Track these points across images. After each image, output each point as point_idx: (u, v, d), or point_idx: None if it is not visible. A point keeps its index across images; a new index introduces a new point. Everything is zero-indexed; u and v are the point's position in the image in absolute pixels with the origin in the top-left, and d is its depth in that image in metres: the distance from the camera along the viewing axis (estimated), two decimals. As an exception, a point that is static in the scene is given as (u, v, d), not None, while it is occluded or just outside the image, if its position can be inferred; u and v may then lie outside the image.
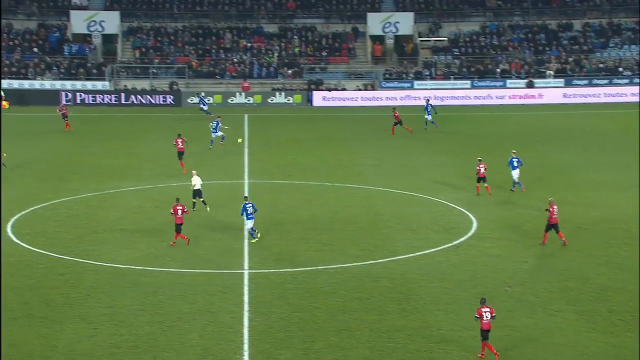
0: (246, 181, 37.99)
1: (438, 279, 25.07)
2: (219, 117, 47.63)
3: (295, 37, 72.45)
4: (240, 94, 65.61)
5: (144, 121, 56.42)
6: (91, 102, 63.85)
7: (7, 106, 53.72)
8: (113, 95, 64.39)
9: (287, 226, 30.48)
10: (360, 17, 74.08)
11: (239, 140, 45.17)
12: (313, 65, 70.22)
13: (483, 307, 19.88)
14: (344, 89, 67.49)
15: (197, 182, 32.23)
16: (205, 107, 57.07)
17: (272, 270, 25.64)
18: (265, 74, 69.24)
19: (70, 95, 63.56)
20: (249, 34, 72.93)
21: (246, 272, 25.61)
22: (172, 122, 54.60)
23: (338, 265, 26.25)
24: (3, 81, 63.80)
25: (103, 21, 71.13)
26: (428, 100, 54.16)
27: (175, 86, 66.74)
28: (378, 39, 73.65)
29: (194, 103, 64.14)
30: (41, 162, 41.58)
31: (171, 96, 64.85)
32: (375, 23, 73.20)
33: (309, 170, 40.44)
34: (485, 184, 34.59)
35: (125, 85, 66.59)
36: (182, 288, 24.13)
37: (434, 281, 24.86)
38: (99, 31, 71.28)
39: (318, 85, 67.86)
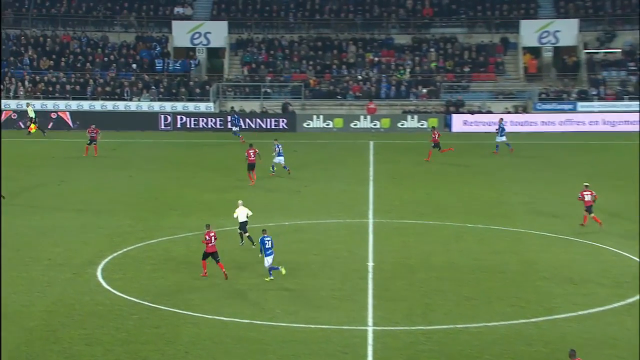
0: (370, 220, 38.09)
1: (607, 345, 24.22)
2: (275, 140, 48.54)
3: (432, 49, 72.50)
4: (365, 118, 66.10)
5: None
6: (193, 126, 65.89)
7: (34, 130, 56.52)
8: (218, 119, 66.18)
9: (419, 275, 30.29)
10: (512, 26, 73.35)
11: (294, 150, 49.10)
12: (452, 84, 69.97)
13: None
14: (489, 112, 66.83)
15: (240, 213, 33.28)
16: (236, 129, 57.61)
17: (402, 327, 25.48)
18: (395, 93, 69.52)
19: (169, 118, 65.84)
20: (377, 47, 73.55)
21: (370, 329, 25.53)
22: (285, 150, 55.40)
23: (482, 324, 25.82)
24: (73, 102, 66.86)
25: (209, 33, 73.43)
26: (501, 119, 55.80)
27: (289, 107, 68.01)
28: (533, 52, 72.64)
29: (310, 127, 65.16)
30: (135, 196, 43.10)
31: (284, 119, 66.09)
32: (529, 32, 72.26)
33: (446, 209, 40.19)
34: (592, 214, 35.60)
35: (233, 107, 68.36)
36: (295, 346, 24.31)
37: (602, 347, 24.04)
38: (203, 44, 73.61)
39: (458, 107, 67.51)
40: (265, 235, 29.90)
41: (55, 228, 35.66)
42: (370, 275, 30.18)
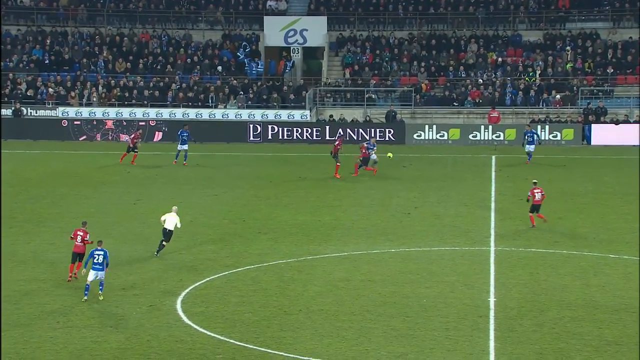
0: (492, 248, 37.78)
1: None
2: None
3: (568, 48, 71.63)
4: (487, 128, 65.63)
5: (354, 164, 57.83)
6: (286, 137, 66.45)
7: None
8: (315, 129, 66.63)
9: (550, 314, 29.89)
10: (666, 18, 71.83)
11: (389, 155, 50.79)
12: (592, 88, 68.91)
13: None
14: (637, 122, 65.55)
15: (169, 220, 35.76)
16: (183, 147, 55.88)
17: (529, 376, 25.18)
18: (523, 100, 68.86)
19: (259, 128, 66.59)
20: (502, 45, 73.05)
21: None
22: (392, 165, 55.51)
23: (626, 375, 25.33)
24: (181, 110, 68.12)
25: (305, 30, 74.04)
26: (529, 125, 58.72)
27: (397, 116, 67.99)
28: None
29: (421, 139, 65.01)
30: (220, 217, 43.69)
31: (391, 130, 66.10)
32: (687, 26, 70.64)
33: (584, 236, 39.66)
34: (538, 213, 40.04)
35: (331, 116, 68.73)
36: (403, 395, 24.25)
37: None
38: (299, 43, 74.27)
39: (600, 115, 66.43)
40: (98, 248, 30.83)
41: (129, 254, 36.41)
42: (492, 313, 29.90)
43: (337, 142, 53.57)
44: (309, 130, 66.49)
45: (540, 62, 71.04)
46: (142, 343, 27.55)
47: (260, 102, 69.57)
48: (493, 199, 47.06)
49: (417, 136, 65.43)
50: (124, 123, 66.70)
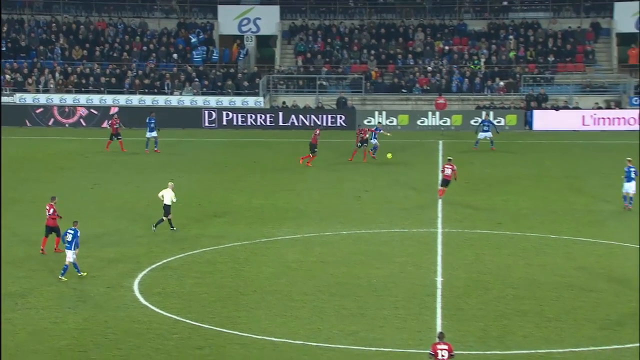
0: (439, 230, 37.96)
1: None
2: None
3: (511, 37, 72.05)
4: (434, 114, 65.92)
5: (307, 148, 57.81)
6: (241, 123, 66.32)
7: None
8: (268, 115, 66.56)
9: (495, 292, 30.12)
10: (604, 9, 72.62)
11: (389, 155, 50.18)
12: (534, 76, 69.43)
13: (439, 344, 21.76)
14: (577, 108, 66.19)
15: (166, 195, 36.66)
16: (152, 134, 55.26)
17: (475, 352, 25.34)
18: (468, 87, 69.22)
19: (214, 114, 66.35)
20: (448, 34, 73.33)
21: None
22: (343, 150, 55.59)
23: (567, 350, 25.57)
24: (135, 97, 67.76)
25: (258, 19, 73.88)
26: (487, 115, 57.40)
27: (348, 102, 68.05)
28: (629, 39, 71.62)
29: (371, 125, 65.12)
30: (176, 201, 43.45)
31: (342, 116, 66.18)
32: (625, 16, 71.39)
33: (526, 217, 39.92)
34: (445, 188, 41.84)
35: (284, 102, 68.67)
36: (354, 372, 24.35)
37: None
38: (252, 32, 74.08)
39: (541, 102, 66.96)
40: (70, 228, 31.06)
41: (87, 237, 36.11)
42: (439, 292, 30.07)
43: (317, 132, 52.78)
44: (263, 117, 66.41)
45: (484, 51, 71.43)
46: (100, 323, 27.39)
47: (215, 89, 69.30)
48: (440, 182, 47.20)
49: (367, 122, 65.46)
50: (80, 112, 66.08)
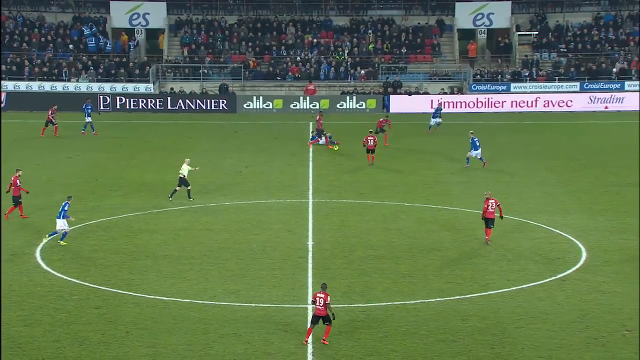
0: (310, 200, 38.21)
1: (539, 319, 24.69)
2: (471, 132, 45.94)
3: (370, 31, 72.72)
4: (305, 99, 66.09)
5: (193, 130, 57.29)
6: (133, 107, 65.25)
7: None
8: (158, 100, 65.68)
9: (358, 253, 30.51)
10: (447, 8, 73.99)
11: (335, 148, 49.04)
12: (390, 65, 70.32)
13: (320, 293, 23.10)
14: (426, 93, 67.38)
15: (183, 168, 37.34)
16: (89, 119, 54.24)
17: (341, 305, 25.65)
18: (334, 75, 69.62)
19: (109, 99, 65.07)
20: (316, 28, 73.52)
21: (310, 307, 25.65)
22: (225, 130, 55.32)
23: (419, 301, 26.12)
24: (34, 83, 65.80)
25: (147, 14, 72.72)
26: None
27: (229, 89, 67.69)
28: (468, 34, 73.33)
29: (250, 109, 64.97)
30: (74, 177, 42.59)
31: (224, 100, 65.79)
32: (464, 15, 73.02)
33: (385, 188, 40.46)
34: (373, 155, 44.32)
35: (172, 88, 67.83)
36: (236, 325, 24.36)
37: (534, 322, 24.50)
38: (142, 25, 72.87)
39: (396, 88, 67.90)
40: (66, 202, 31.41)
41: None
42: (310, 254, 30.32)
43: (318, 117, 51.22)
44: (153, 101, 65.56)
45: (348, 43, 71.92)
46: (4, 287, 26.68)
47: (109, 77, 67.96)
48: (311, 158, 47.52)
49: (247, 106, 65.32)
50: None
